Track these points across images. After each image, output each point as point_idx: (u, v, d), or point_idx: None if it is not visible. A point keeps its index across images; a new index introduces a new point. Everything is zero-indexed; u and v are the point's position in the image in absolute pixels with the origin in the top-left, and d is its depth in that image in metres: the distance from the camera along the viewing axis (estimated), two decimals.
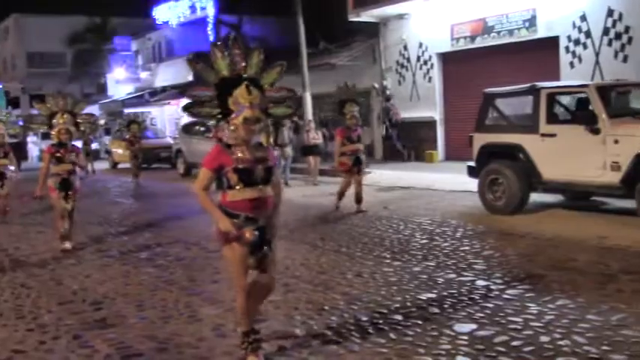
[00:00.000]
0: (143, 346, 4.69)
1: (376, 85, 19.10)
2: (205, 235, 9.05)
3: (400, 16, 18.53)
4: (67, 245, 8.28)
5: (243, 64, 4.20)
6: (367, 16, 18.87)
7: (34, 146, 31.96)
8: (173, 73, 31.87)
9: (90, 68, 41.30)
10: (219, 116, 4.21)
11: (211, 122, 16.92)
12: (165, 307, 5.62)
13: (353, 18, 19.01)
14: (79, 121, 8.84)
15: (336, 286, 6.01)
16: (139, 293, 6.14)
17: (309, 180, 15.12)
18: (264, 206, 4.11)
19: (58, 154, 8.22)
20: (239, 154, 4.04)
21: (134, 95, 35.45)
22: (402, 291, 5.74)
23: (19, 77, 49.92)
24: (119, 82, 37.19)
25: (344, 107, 10.32)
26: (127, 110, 35.03)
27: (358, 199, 10.35)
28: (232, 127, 4.06)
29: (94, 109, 33.07)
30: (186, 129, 21.07)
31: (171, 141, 23.52)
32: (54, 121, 8.33)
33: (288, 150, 14.99)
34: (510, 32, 15.92)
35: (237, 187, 4.04)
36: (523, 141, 9.28)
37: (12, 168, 11.68)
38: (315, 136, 15.29)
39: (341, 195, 10.48)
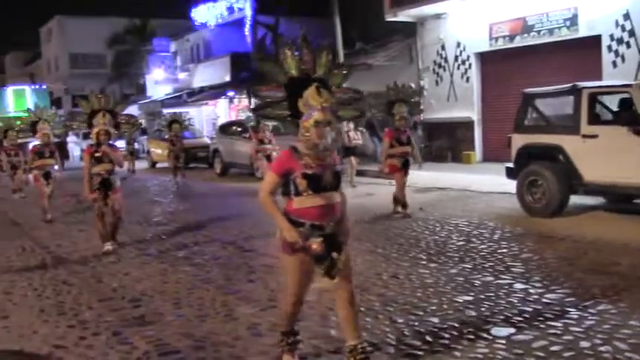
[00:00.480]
0: (180, 343, 4.75)
1: (413, 86, 18.97)
2: (241, 234, 9.14)
3: (438, 16, 18.38)
4: (109, 247, 8.23)
5: (312, 64, 4.06)
6: (404, 15, 18.75)
7: (75, 146, 32.65)
8: (211, 73, 32.24)
9: (129, 69, 42.05)
10: (289, 118, 4.04)
11: (251, 123, 17.01)
12: (202, 306, 5.68)
13: (390, 18, 18.92)
14: (119, 121, 8.71)
15: (371, 287, 5.99)
16: (176, 291, 6.22)
17: (346, 181, 15.07)
18: (332, 213, 3.90)
19: (97, 154, 8.11)
20: (308, 159, 3.84)
21: (172, 96, 35.96)
22: (438, 293, 5.69)
23: (62, 78, 51.20)
24: (158, 83, 37.76)
25: (393, 108, 10.06)
26: (165, 110, 35.56)
27: (400, 202, 10.12)
28: (303, 130, 3.86)
29: (133, 109, 33.70)
30: (223, 129, 21.30)
31: (208, 141, 23.78)
32: (94, 120, 8.19)
33: None
34: (551, 31, 15.64)
35: (306, 194, 3.83)
36: (563, 142, 9.11)
37: (56, 167, 11.83)
38: (355, 137, 14.97)
39: (399, 201, 10.07)
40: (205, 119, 33.45)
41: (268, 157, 14.12)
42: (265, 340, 4.71)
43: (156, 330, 5.08)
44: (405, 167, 10.01)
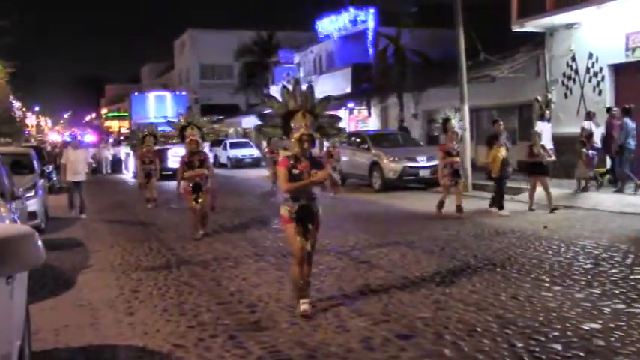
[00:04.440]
0: (293, 352, 4.79)
1: (539, 98, 18.21)
2: (357, 245, 9.12)
3: (569, 26, 17.51)
4: (306, 305, 5.78)
5: None
6: (532, 26, 18.04)
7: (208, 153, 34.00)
8: (332, 84, 32.68)
9: (255, 80, 43.56)
10: None
11: (435, 132, 14.74)
12: (315, 315, 5.70)
13: (516, 29, 18.27)
14: (322, 124, 6.24)
15: (489, 307, 5.77)
16: (290, 299, 6.29)
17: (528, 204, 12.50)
18: None
19: (296, 171, 5.80)
20: None
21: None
22: (562, 318, 5.37)
23: (193, 88, 54.04)
24: None
25: None
26: None
27: None
28: None
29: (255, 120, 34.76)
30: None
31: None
32: (292, 122, 5.93)
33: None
34: None
35: None
36: None
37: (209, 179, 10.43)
38: (541, 152, 12.47)
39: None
40: None
41: (456, 173, 11.86)
42: (377, 355, 4.65)
43: (270, 336, 5.17)
44: None
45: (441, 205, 11.99)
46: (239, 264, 8.15)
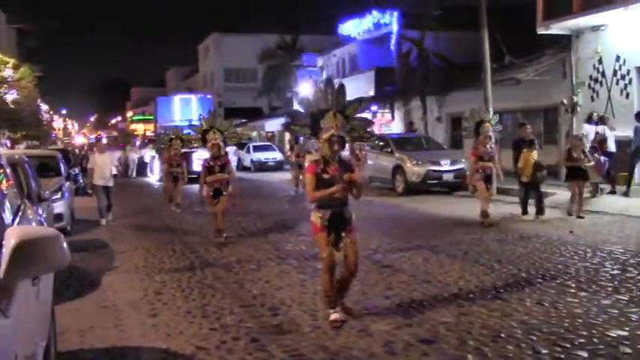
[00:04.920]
0: (315, 355, 4.78)
1: (565, 102, 18.00)
2: (380, 249, 9.08)
3: (595, 28, 17.29)
4: (337, 315, 5.57)
5: None
6: (558, 28, 17.85)
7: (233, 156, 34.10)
8: (355, 87, 32.59)
9: (278, 83, 43.73)
10: None
11: (463, 133, 12.96)
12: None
13: (542, 31, 18.09)
14: (353, 126, 6.04)
15: (513, 313, 5.70)
16: (313, 303, 6.29)
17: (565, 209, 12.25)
18: None
19: (326, 175, 5.54)
20: None
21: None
22: (588, 325, 5.29)
23: (217, 91, 54.46)
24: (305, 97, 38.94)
25: None
26: None
27: None
28: None
29: (281, 121, 34.85)
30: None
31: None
32: (322, 123, 5.68)
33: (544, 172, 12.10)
34: None
35: None
36: None
37: (230, 184, 10.35)
38: (581, 156, 11.94)
39: None
40: None
41: (488, 178, 11.30)
42: None
43: (292, 340, 5.17)
44: None
45: (485, 214, 11.17)
46: (262, 267, 8.17)
